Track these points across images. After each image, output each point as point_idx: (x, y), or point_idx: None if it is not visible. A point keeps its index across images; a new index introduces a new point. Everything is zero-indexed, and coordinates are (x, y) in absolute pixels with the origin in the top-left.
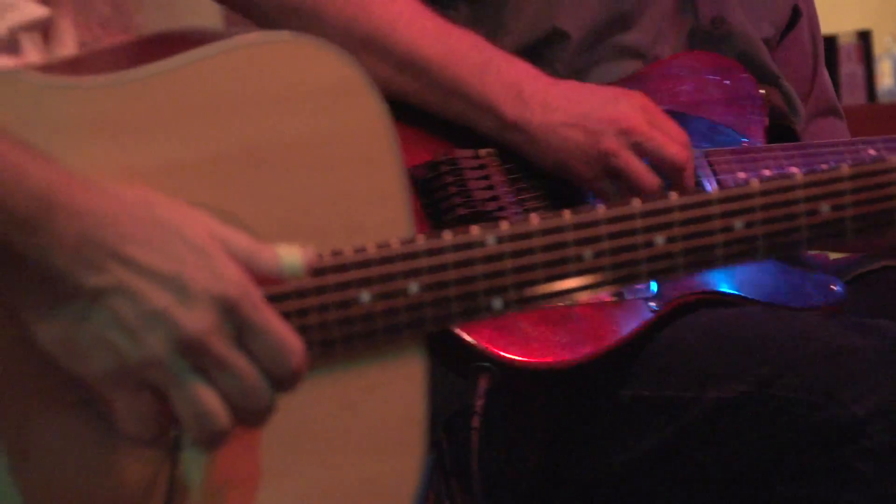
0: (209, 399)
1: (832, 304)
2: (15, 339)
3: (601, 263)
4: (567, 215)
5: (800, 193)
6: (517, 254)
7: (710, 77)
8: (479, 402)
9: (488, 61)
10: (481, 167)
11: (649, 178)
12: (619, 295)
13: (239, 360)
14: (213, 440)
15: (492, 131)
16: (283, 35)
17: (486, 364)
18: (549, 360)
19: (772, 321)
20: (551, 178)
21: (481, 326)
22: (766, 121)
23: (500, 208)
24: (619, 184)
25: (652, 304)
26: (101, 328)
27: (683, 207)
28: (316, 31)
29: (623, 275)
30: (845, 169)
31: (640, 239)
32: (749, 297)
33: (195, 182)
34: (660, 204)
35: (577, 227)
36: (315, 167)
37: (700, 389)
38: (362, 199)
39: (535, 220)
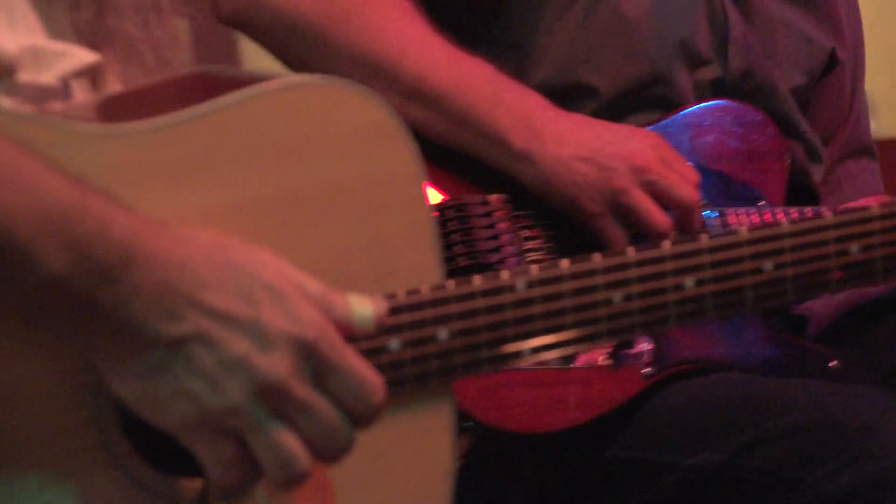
0: (291, 443)
1: (828, 378)
2: (86, 386)
3: (630, 307)
4: (598, 258)
5: (830, 234)
6: (547, 298)
7: (734, 129)
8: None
9: (499, 92)
10: (488, 214)
11: (659, 218)
12: (615, 359)
13: (320, 403)
14: (293, 482)
15: (501, 163)
16: (314, 78)
17: (468, 424)
18: (532, 426)
19: (756, 388)
20: (559, 228)
21: (466, 386)
22: (787, 176)
23: (502, 260)
24: (625, 222)
25: (646, 370)
26: (180, 378)
27: (713, 249)
28: (323, 55)
29: (652, 319)
30: (875, 209)
31: (669, 282)
32: (745, 367)
33: (238, 227)
34: (690, 246)
35: (608, 270)
36: (349, 212)
37: (679, 455)
38: (394, 244)
39: (565, 263)
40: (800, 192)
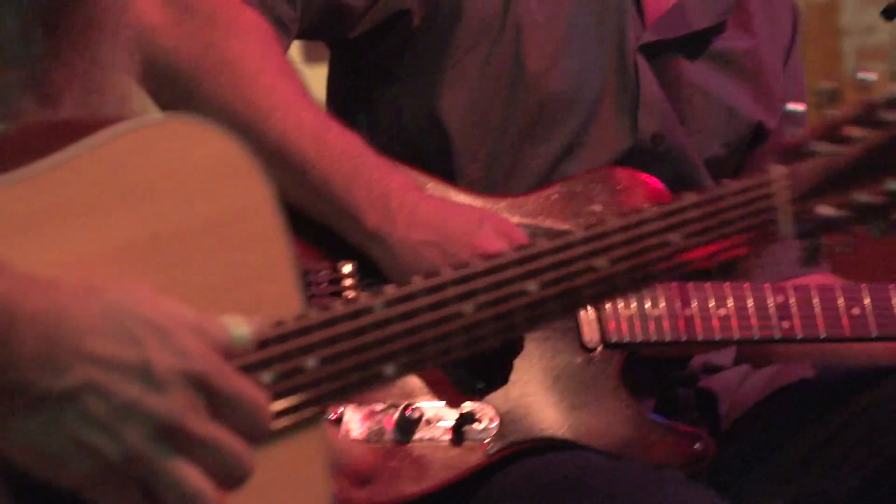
0: (195, 480)
1: (691, 461)
2: None
3: (483, 317)
4: (448, 272)
5: (654, 226)
6: (405, 316)
7: (624, 198)
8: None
9: (361, 166)
10: (333, 282)
11: None
12: (460, 435)
13: (219, 434)
14: None
15: (354, 240)
16: (167, 117)
17: None
18: (370, 499)
19: (587, 471)
20: None
21: None
22: None
23: None
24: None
25: (491, 446)
26: (75, 430)
27: (555, 251)
28: (192, 105)
29: (503, 326)
30: (692, 197)
31: (516, 288)
32: (595, 446)
33: (102, 276)
34: (532, 250)
35: (456, 282)
36: (209, 250)
37: None
38: (255, 278)
39: (417, 280)
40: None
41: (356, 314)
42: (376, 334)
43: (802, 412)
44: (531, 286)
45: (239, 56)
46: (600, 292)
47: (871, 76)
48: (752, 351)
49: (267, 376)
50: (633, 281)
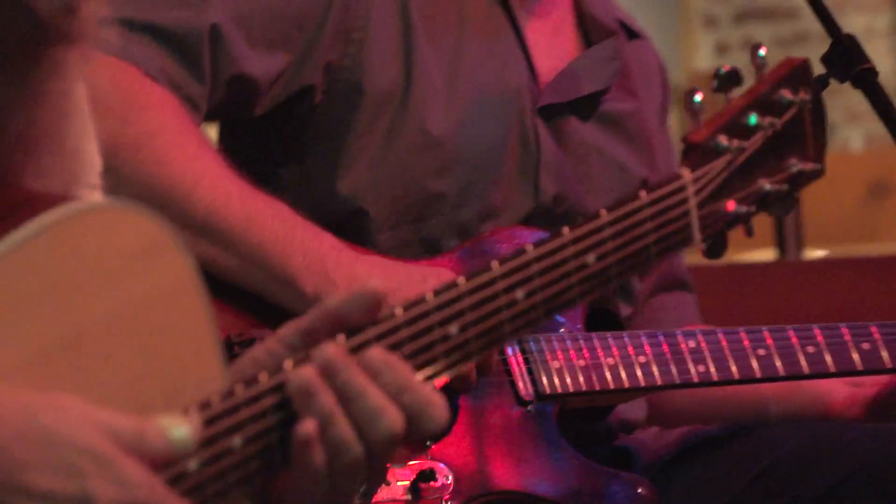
0: None
1: None
2: None
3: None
4: (341, 339)
5: (569, 251)
6: None
7: None
8: None
9: (292, 231)
10: None
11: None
12: (417, 493)
13: None
14: None
15: (292, 306)
16: (84, 205)
17: None
18: None
19: None
20: None
21: None
22: (586, 308)
23: None
24: None
25: (449, 503)
26: None
27: (472, 291)
28: (111, 183)
29: (421, 361)
30: (605, 215)
31: (437, 333)
32: (548, 496)
33: (29, 381)
34: (452, 293)
35: (380, 337)
36: (133, 337)
37: None
38: (179, 360)
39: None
40: (605, 326)
41: (282, 386)
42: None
43: (715, 468)
44: (453, 328)
45: (157, 131)
46: (521, 325)
47: (762, 51)
48: (660, 412)
49: (193, 464)
50: (550, 310)
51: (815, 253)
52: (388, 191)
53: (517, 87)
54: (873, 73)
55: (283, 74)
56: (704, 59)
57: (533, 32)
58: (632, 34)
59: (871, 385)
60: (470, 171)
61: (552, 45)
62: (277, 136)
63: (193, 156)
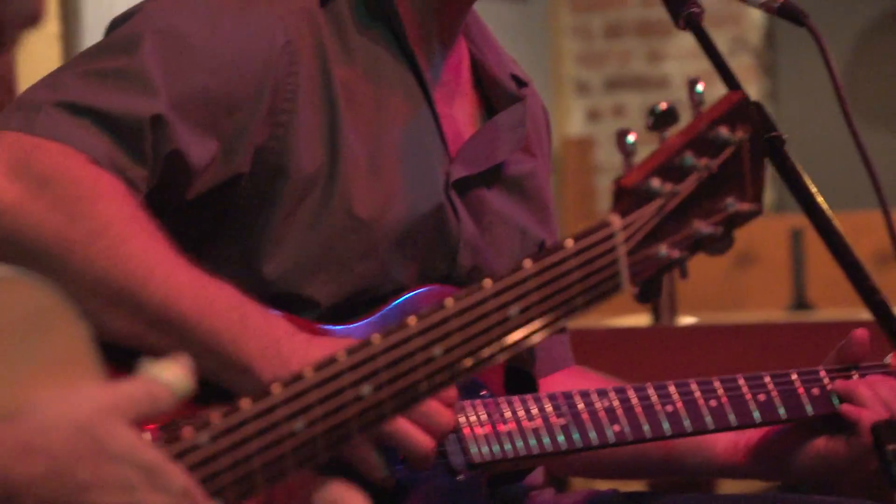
0: None
1: None
2: None
3: (314, 432)
4: (277, 388)
5: (490, 304)
6: (233, 446)
7: None
8: None
9: (246, 318)
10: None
11: (421, 437)
12: None
13: None
14: None
15: (248, 393)
16: None
17: None
18: None
19: None
20: None
21: None
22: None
23: None
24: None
25: None
26: None
27: (387, 349)
28: (61, 280)
29: (336, 437)
30: (529, 265)
31: (350, 394)
32: None
33: None
34: (365, 353)
35: (288, 400)
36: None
37: None
38: None
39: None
40: (522, 385)
41: (180, 455)
42: (202, 471)
43: None
44: (365, 389)
45: (108, 223)
46: (441, 381)
47: (699, 87)
48: (589, 465)
49: None
50: (478, 363)
51: (687, 319)
52: (311, 278)
53: (435, 160)
54: (781, 141)
55: (215, 161)
56: (576, 126)
57: (440, 99)
58: (520, 83)
59: (753, 431)
60: (393, 250)
61: (456, 110)
62: (205, 219)
63: (145, 247)
